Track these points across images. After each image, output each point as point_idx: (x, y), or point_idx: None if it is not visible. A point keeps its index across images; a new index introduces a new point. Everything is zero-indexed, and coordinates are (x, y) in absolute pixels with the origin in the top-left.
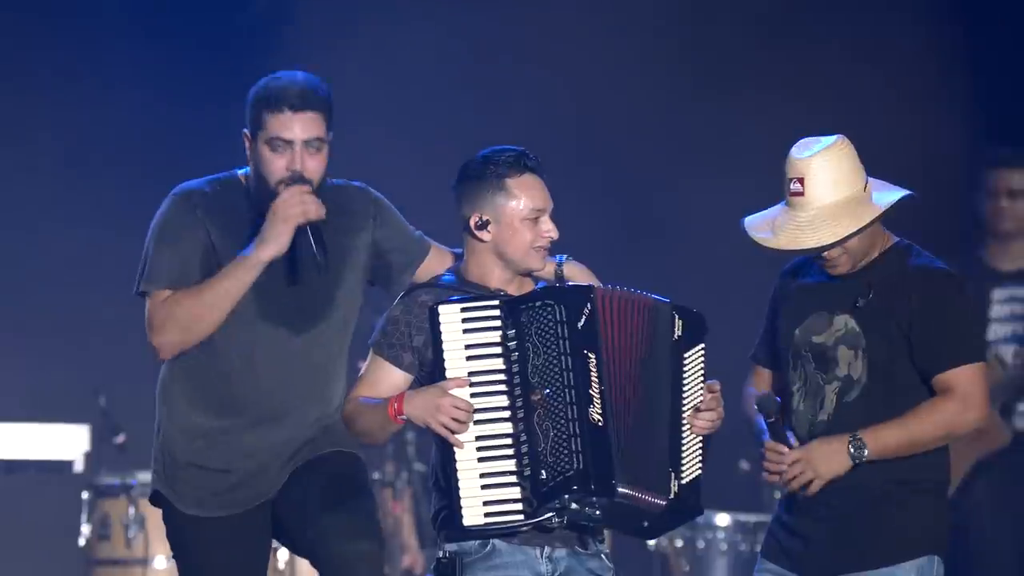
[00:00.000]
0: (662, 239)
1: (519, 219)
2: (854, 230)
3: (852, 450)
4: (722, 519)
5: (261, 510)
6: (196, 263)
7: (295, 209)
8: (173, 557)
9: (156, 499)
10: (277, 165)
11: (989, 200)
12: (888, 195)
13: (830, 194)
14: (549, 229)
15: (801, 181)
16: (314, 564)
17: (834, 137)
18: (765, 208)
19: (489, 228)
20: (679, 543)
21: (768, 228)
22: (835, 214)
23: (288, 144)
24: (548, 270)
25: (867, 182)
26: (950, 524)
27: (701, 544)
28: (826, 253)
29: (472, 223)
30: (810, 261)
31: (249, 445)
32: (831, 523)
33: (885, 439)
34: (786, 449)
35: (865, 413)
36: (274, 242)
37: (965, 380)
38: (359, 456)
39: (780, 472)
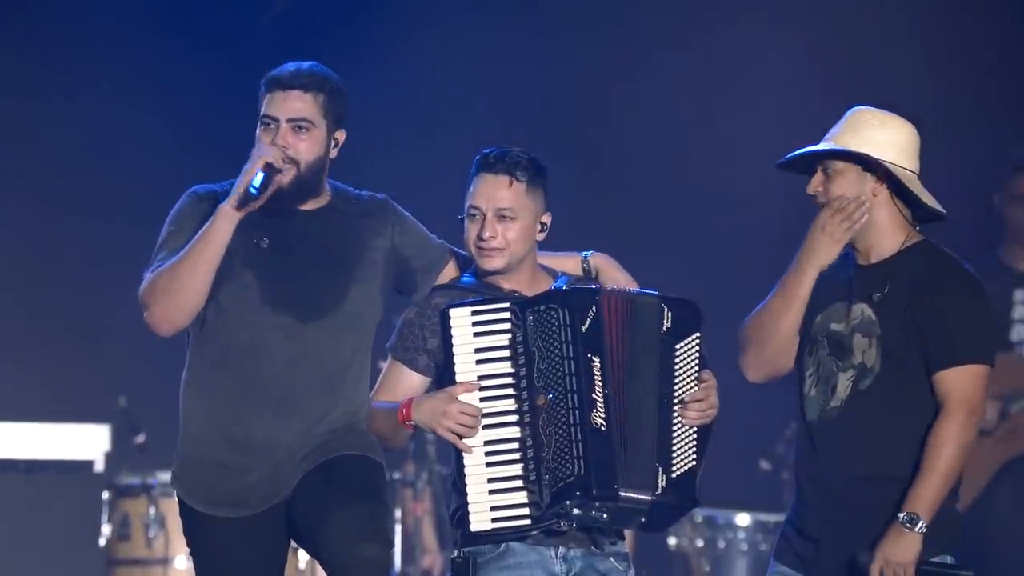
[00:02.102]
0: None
1: (465, 215)
2: (823, 147)
3: (908, 528)
4: (742, 519)
5: (275, 512)
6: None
7: (256, 164)
8: (190, 556)
9: (178, 502)
10: (264, 143)
11: (1012, 203)
12: (912, 184)
13: (846, 136)
14: (480, 231)
15: (843, 121)
16: (322, 566)
17: (907, 121)
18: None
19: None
20: (700, 543)
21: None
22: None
23: (274, 121)
24: (575, 265)
25: (895, 163)
26: (962, 522)
27: (722, 544)
28: (810, 188)
29: (460, 219)
30: (841, 258)
31: (262, 439)
32: (841, 524)
33: (925, 497)
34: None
35: (879, 401)
36: (234, 193)
37: (963, 384)
38: (374, 459)
39: None
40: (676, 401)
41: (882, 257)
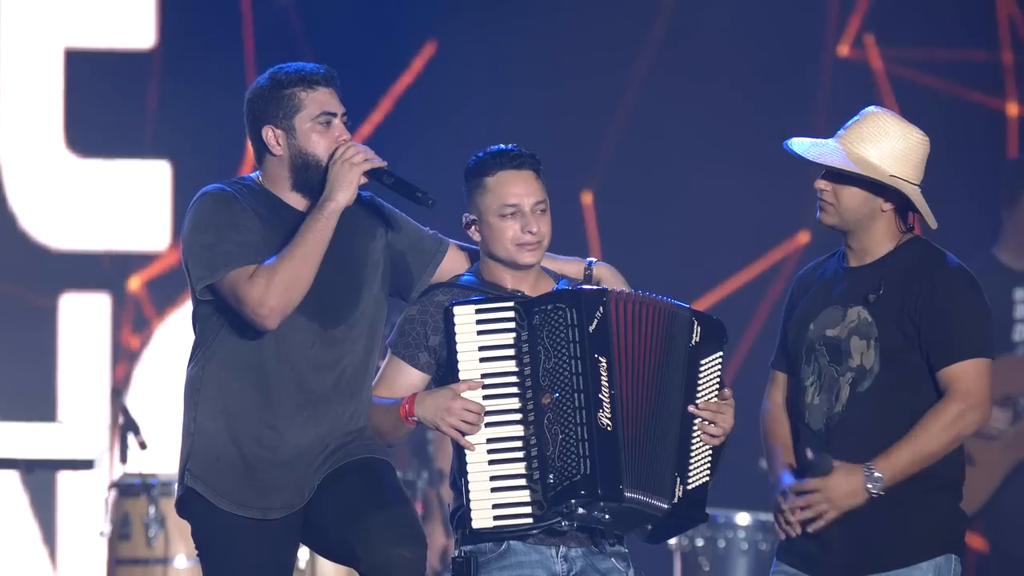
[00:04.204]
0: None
1: (495, 216)
2: (840, 166)
3: (868, 484)
4: (742, 518)
5: (296, 518)
6: (261, 240)
7: (359, 156)
8: (199, 558)
9: (188, 498)
10: (328, 140)
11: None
12: (919, 203)
13: (864, 144)
14: (526, 225)
15: (860, 120)
16: (355, 567)
17: (920, 132)
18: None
19: (475, 227)
20: (700, 542)
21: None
22: (848, 155)
23: (333, 116)
24: (578, 271)
25: (907, 180)
26: (967, 523)
27: (722, 543)
28: (818, 184)
29: (463, 223)
30: (823, 263)
31: (291, 441)
32: (845, 524)
33: (896, 463)
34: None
35: (879, 402)
36: (348, 188)
37: (966, 377)
38: (389, 460)
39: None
40: (697, 415)
41: (876, 257)
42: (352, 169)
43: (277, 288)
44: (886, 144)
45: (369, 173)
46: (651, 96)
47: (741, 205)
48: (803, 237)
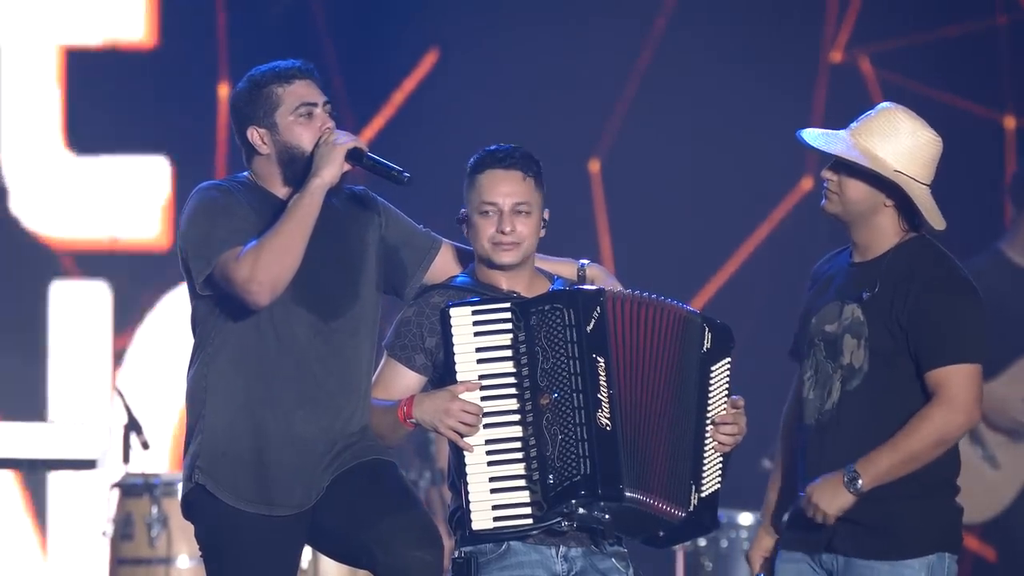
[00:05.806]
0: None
1: (475, 213)
2: (844, 156)
3: (848, 484)
4: (745, 518)
5: (303, 517)
6: (254, 228)
7: (343, 137)
8: (202, 556)
9: (195, 495)
10: (312, 131)
11: None
12: (921, 201)
13: (872, 138)
14: (500, 225)
15: (873, 115)
16: (371, 568)
17: (932, 131)
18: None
19: (465, 224)
20: (702, 542)
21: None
22: (855, 146)
23: (314, 107)
24: (571, 272)
25: (912, 177)
26: (963, 524)
27: (724, 543)
28: (824, 174)
29: (458, 219)
30: (835, 256)
31: (296, 436)
32: (841, 519)
33: (877, 464)
34: None
35: (867, 402)
36: (332, 165)
37: (953, 381)
38: (396, 464)
39: None
40: (708, 422)
41: (876, 254)
42: (335, 148)
43: (264, 263)
44: (894, 140)
45: (351, 154)
46: (651, 86)
47: (744, 163)
48: (806, 183)
